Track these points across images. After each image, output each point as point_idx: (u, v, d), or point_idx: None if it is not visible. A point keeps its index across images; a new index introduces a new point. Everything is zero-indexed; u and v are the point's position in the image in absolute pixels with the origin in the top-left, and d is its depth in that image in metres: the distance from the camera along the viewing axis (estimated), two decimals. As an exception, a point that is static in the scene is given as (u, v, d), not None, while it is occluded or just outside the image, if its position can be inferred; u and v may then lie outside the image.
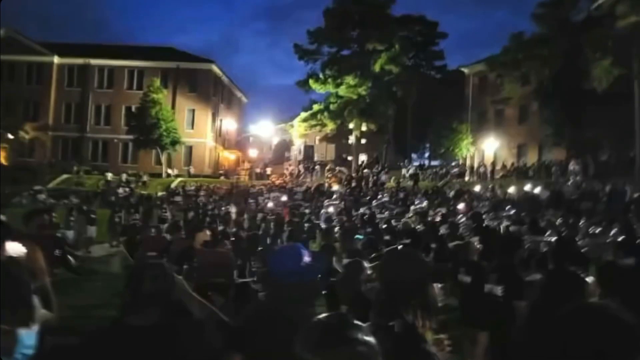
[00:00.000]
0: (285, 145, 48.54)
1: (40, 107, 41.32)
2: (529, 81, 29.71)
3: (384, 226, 11.83)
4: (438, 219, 12.42)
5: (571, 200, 20.31)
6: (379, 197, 19.64)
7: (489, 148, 34.09)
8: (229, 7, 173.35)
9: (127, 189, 31.82)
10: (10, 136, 38.54)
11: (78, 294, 8.45)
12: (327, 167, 37.68)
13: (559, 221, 11.49)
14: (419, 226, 11.59)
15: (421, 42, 39.97)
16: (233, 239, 9.30)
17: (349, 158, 42.77)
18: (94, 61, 41.47)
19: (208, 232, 4.78)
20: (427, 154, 47.22)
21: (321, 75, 38.17)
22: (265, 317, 1.91)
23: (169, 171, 37.94)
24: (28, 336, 1.14)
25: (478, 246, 5.23)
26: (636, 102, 21.45)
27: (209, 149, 42.74)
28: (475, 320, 4.60)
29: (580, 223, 11.68)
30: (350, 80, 36.88)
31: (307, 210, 18.81)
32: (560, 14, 25.25)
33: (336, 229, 9.26)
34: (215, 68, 42.80)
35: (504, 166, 31.26)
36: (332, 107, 38.07)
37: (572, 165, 25.22)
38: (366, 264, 4.17)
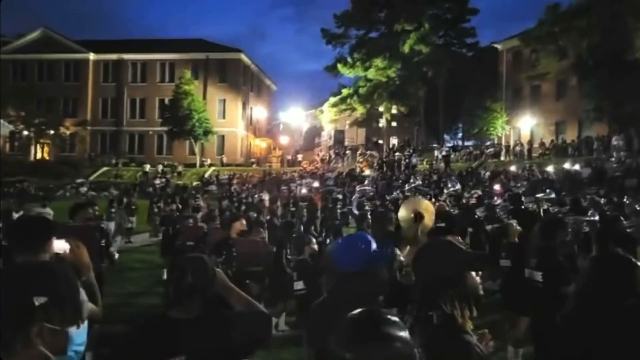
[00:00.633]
0: (315, 131, 48.51)
1: (79, 103, 42.91)
2: (567, 55, 28.43)
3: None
4: (473, 201, 12.15)
5: (614, 177, 19.51)
6: (412, 180, 19.40)
7: (525, 126, 32.99)
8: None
9: (163, 180, 32.74)
10: (51, 132, 40.22)
11: (120, 282, 8.82)
12: (358, 152, 37.45)
13: (602, 200, 11.02)
14: (453, 209, 11.39)
15: (451, 20, 38.69)
16: (267, 226, 9.44)
17: (380, 142, 42.33)
18: (127, 56, 42.56)
19: (244, 222, 4.84)
20: (460, 135, 46.19)
21: (349, 59, 37.73)
22: (330, 310, 1.91)
23: (203, 160, 38.69)
24: (78, 334, 1.17)
25: (518, 228, 5.09)
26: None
27: (241, 137, 43.27)
28: (516, 305, 4.51)
29: (625, 201, 11.16)
30: (379, 62, 36.29)
31: (339, 196, 18.81)
32: (599, -17, 23.94)
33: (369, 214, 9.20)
34: (244, 57, 43.06)
35: (542, 144, 30.18)
36: (361, 90, 37.63)
37: (615, 141, 24.14)
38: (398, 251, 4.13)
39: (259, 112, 48.02)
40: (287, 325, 6.04)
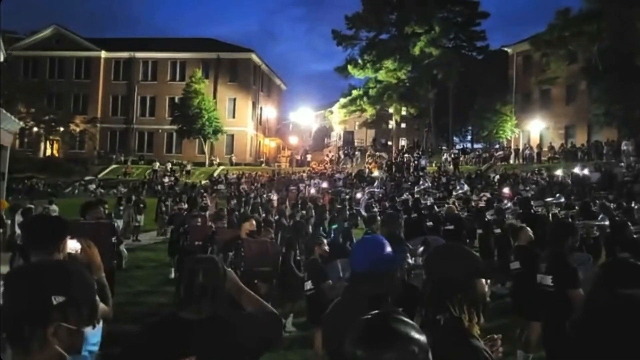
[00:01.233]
0: (325, 132, 48.55)
1: (89, 100, 43.17)
2: (577, 59, 28.26)
3: (427, 212, 11.65)
4: (482, 204, 12.09)
5: (624, 182, 19.32)
6: (420, 182, 19.35)
7: (534, 130, 32.76)
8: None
9: (172, 178, 32.91)
10: (61, 129, 40.45)
11: (129, 281, 8.86)
12: (367, 153, 37.42)
13: (612, 205, 10.91)
14: (463, 212, 11.36)
15: (462, 23, 38.56)
16: (275, 226, 9.46)
17: (389, 143, 42.26)
18: (138, 54, 42.84)
19: (254, 222, 4.87)
20: (469, 137, 45.98)
21: (360, 61, 37.72)
22: (343, 311, 1.94)
23: (212, 159, 38.83)
24: (93, 334, 1.18)
25: (530, 233, 5.06)
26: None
27: (250, 137, 43.39)
28: (526, 309, 4.49)
29: (634, 206, 11.04)
30: (389, 64, 36.25)
31: (348, 197, 18.81)
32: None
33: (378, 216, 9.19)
34: (254, 57, 43.20)
35: (551, 148, 29.97)
36: (371, 92, 37.60)
37: (625, 146, 23.92)
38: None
39: (269, 111, 48.14)
40: (295, 326, 6.05)
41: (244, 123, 42.43)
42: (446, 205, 11.41)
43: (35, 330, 1.09)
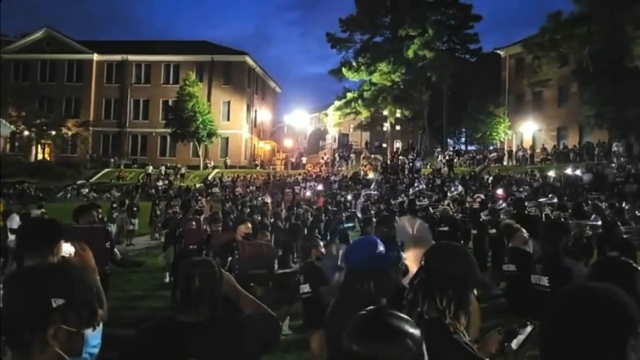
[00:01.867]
0: (319, 134, 48.60)
1: (81, 104, 42.86)
2: (568, 61, 28.53)
3: (422, 214, 11.71)
4: (476, 205, 12.17)
5: (615, 183, 19.53)
6: (415, 184, 19.43)
7: (527, 131, 33.02)
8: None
9: (166, 182, 32.75)
10: (53, 133, 40.05)
11: (123, 285, 8.78)
12: (362, 155, 37.49)
13: (604, 205, 11.03)
14: (458, 213, 11.41)
15: (455, 26, 38.82)
16: (271, 229, 9.45)
17: (384, 145, 42.38)
18: (131, 57, 42.65)
19: (249, 225, 4.87)
20: (463, 139, 46.21)
21: (354, 63, 37.82)
22: (340, 309, 1.96)
23: (207, 162, 38.72)
24: (93, 336, 1.19)
25: (526, 235, 5.08)
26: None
27: (245, 140, 43.32)
28: (521, 310, 4.51)
29: (625, 206, 11.18)
30: (383, 67, 36.39)
31: (343, 199, 18.83)
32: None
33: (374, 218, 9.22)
34: (249, 60, 43.18)
35: (543, 149, 30.22)
36: (365, 94, 37.72)
37: (616, 147, 24.18)
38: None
39: (264, 114, 48.11)
40: (291, 329, 6.05)
41: (238, 126, 42.36)
42: (441, 207, 11.47)
43: (35, 333, 1.09)
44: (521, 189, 19.87)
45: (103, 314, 2.58)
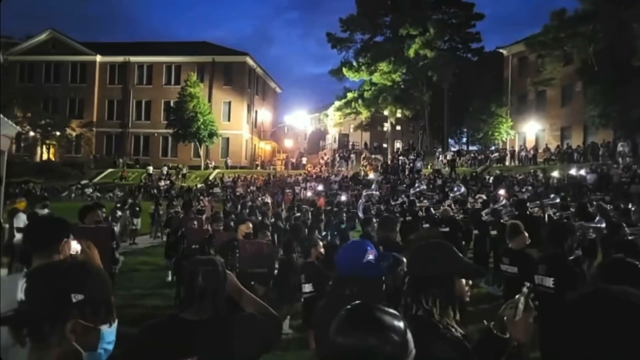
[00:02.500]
0: (320, 135, 48.62)
1: (85, 104, 43.16)
2: (572, 60, 28.38)
3: (423, 214, 11.69)
4: (478, 206, 12.14)
5: (620, 183, 19.43)
6: (416, 185, 19.39)
7: (530, 131, 32.91)
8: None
9: (167, 182, 32.84)
10: (57, 133, 40.38)
11: (125, 283, 8.84)
12: (363, 155, 37.47)
13: (609, 206, 10.96)
14: (460, 214, 11.39)
15: (457, 25, 38.75)
16: (271, 229, 9.45)
17: (384, 145, 42.36)
18: (133, 58, 42.83)
19: (250, 225, 4.86)
20: (464, 139, 46.16)
21: (355, 63, 37.81)
22: (327, 310, 1.95)
23: (208, 162, 38.80)
24: (109, 332, 1.22)
25: (527, 238, 5.03)
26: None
27: (245, 140, 43.39)
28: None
29: (630, 207, 11.10)
30: (384, 66, 36.35)
31: (344, 199, 18.81)
32: (604, -11, 23.89)
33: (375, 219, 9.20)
34: (249, 60, 43.26)
35: (547, 149, 30.11)
36: (366, 94, 37.69)
37: (621, 147, 24.02)
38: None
39: (264, 115, 48.17)
40: (292, 328, 6.04)
41: (239, 126, 42.43)
42: (442, 207, 11.44)
43: (54, 326, 1.13)
44: (524, 190, 19.81)
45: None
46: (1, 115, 8.98)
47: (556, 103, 32.47)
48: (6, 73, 37.39)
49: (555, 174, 22.98)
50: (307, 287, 4.43)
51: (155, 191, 29.94)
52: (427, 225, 10.44)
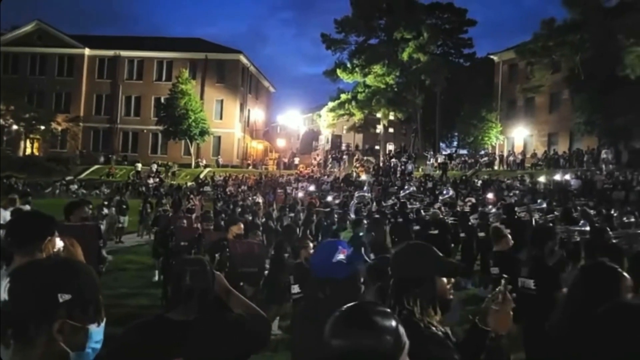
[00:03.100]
0: (312, 135, 48.59)
1: (72, 98, 42.33)
2: (560, 68, 28.79)
3: (414, 216, 11.77)
4: (467, 209, 12.26)
5: (603, 189, 19.76)
6: (406, 187, 19.52)
7: (518, 137, 33.30)
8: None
9: (156, 180, 32.54)
10: (42, 128, 39.49)
11: (111, 283, 8.72)
12: (355, 157, 37.56)
13: (592, 212, 11.16)
14: (449, 217, 11.48)
15: (449, 30, 39.09)
16: (262, 229, 9.43)
17: (377, 147, 42.50)
18: (124, 53, 42.30)
19: (242, 225, 4.87)
20: (455, 143, 46.48)
21: (349, 65, 37.90)
22: (303, 318, 1.96)
23: (199, 161, 38.55)
24: (97, 332, 1.21)
25: (510, 240, 5.14)
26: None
27: (237, 139, 43.18)
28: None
29: (613, 212, 11.34)
30: (378, 69, 36.50)
31: (336, 200, 18.84)
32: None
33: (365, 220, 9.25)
34: (243, 58, 43.04)
35: (534, 155, 30.50)
36: (359, 96, 37.80)
37: (604, 154, 24.45)
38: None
39: (257, 114, 48.00)
40: (281, 329, 6.04)
41: (231, 125, 42.21)
42: (431, 210, 11.54)
43: (40, 327, 1.10)
44: (511, 194, 20.05)
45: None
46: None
47: (544, 110, 32.91)
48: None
49: (542, 179, 23.30)
50: (296, 288, 4.44)
51: (144, 189, 29.66)
52: (418, 227, 10.52)
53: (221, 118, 41.91)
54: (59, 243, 2.46)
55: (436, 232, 9.75)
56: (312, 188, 25.86)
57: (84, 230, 3.72)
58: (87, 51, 42.40)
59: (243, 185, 30.32)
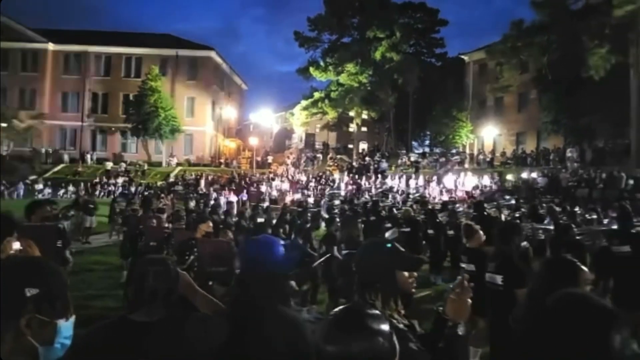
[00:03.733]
0: (286, 134, 48.46)
1: (36, 95, 40.81)
2: (528, 69, 29.57)
3: (386, 214, 11.88)
4: (438, 207, 12.47)
5: (568, 187, 20.44)
6: (379, 185, 19.72)
7: (488, 136, 34.08)
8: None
9: (126, 179, 31.84)
10: (4, 125, 37.99)
11: (78, 284, 8.49)
12: (329, 156, 37.67)
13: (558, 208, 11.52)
14: (420, 214, 11.64)
15: (422, 30, 39.61)
16: (234, 228, 9.34)
17: (350, 146, 42.73)
18: (90, 48, 41.06)
19: (210, 224, 4.80)
20: (427, 142, 47.19)
21: (322, 63, 37.95)
22: (237, 312, 1.93)
23: (170, 159, 37.87)
24: (66, 327, 1.21)
25: (482, 236, 5.23)
26: (632, 90, 21.36)
27: (210, 137, 42.63)
28: (475, 307, 4.65)
29: (577, 209, 11.75)
30: (351, 67, 36.68)
31: (309, 199, 18.85)
32: (559, 2, 24.98)
33: (338, 218, 9.27)
34: (214, 55, 42.47)
35: (503, 153, 31.28)
36: (333, 95, 37.91)
37: (569, 153, 25.30)
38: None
39: (229, 112, 47.48)
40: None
41: (203, 123, 41.63)
42: (403, 208, 11.67)
43: (8, 321, 1.11)
44: (481, 192, 20.51)
45: None
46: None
47: (513, 109, 33.77)
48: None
49: (510, 177, 23.92)
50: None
51: (112, 188, 28.96)
52: (389, 225, 10.63)
53: (192, 116, 41.28)
54: (16, 244, 2.41)
55: (408, 229, 9.87)
56: (285, 187, 25.80)
57: (42, 231, 3.60)
58: (50, 46, 40.94)
59: (216, 184, 29.98)
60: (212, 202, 16.95)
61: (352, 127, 42.63)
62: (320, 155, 38.44)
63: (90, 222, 15.16)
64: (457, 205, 13.31)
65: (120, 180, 31.29)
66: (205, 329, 1.82)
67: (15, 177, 31.18)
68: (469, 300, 1.74)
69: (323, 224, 12.35)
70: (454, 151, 35.05)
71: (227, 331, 1.89)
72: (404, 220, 10.37)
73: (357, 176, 29.83)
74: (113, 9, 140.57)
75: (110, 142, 41.25)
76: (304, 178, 30.59)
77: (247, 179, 31.30)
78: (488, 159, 30.85)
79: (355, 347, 1.09)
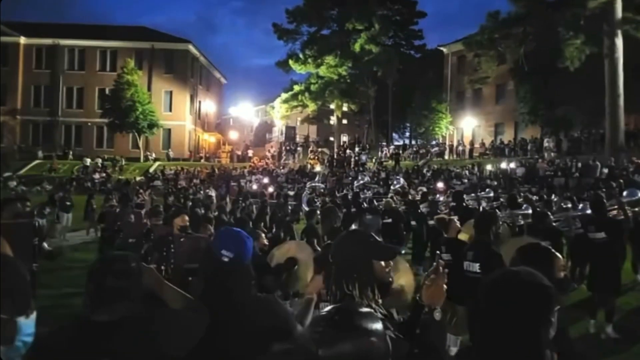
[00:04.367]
0: (266, 127, 48.20)
1: (8, 90, 39.58)
2: (505, 60, 29.96)
3: (367, 206, 11.91)
4: (418, 197, 12.56)
5: (545, 176, 20.87)
6: (359, 177, 19.79)
7: (467, 127, 34.50)
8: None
9: (103, 174, 31.23)
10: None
11: (54, 283, 8.31)
12: (310, 149, 37.62)
13: (534, 197, 11.76)
14: (401, 205, 11.71)
15: (400, 21, 39.69)
16: (215, 222, 9.22)
17: (331, 139, 42.75)
18: (63, 42, 40.00)
19: (186, 217, 4.71)
20: (407, 134, 47.53)
21: (301, 56, 37.74)
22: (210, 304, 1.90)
23: (148, 154, 37.29)
24: (27, 324, 1.14)
25: (458, 225, 5.31)
26: (606, 80, 21.85)
27: (188, 131, 42.09)
28: (454, 295, 4.70)
29: (553, 198, 12.01)
30: (330, 60, 36.58)
31: (290, 192, 18.79)
32: (535, -7, 25.33)
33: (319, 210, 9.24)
34: (192, 48, 41.84)
35: (482, 144, 31.73)
36: (312, 87, 37.79)
37: (546, 143, 25.83)
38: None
39: (208, 105, 46.95)
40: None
41: (181, 117, 41.06)
42: (384, 200, 11.73)
43: None
44: (460, 182, 20.78)
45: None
46: None
47: (491, 100, 34.23)
48: None
49: (489, 167, 24.30)
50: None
51: (89, 184, 28.38)
52: (370, 216, 10.66)
53: (171, 110, 40.67)
54: None
55: (389, 220, 9.92)
56: (266, 180, 25.68)
57: (15, 228, 3.50)
58: (22, 39, 39.73)
59: (195, 178, 29.65)
60: (192, 197, 16.75)
61: (333, 120, 42.63)
62: (301, 149, 38.35)
63: (67, 219, 14.83)
64: (437, 195, 13.43)
65: (97, 176, 30.68)
66: (175, 324, 1.76)
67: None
68: (445, 286, 1.74)
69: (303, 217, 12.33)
70: (433, 142, 35.42)
71: (202, 324, 1.84)
72: (386, 211, 10.42)
73: (338, 169, 29.89)
74: (84, 0, 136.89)
75: (85, 138, 40.35)
76: (284, 171, 30.49)
77: (227, 173, 31.04)
78: (467, 150, 31.26)
79: (348, 347, 1.08)
